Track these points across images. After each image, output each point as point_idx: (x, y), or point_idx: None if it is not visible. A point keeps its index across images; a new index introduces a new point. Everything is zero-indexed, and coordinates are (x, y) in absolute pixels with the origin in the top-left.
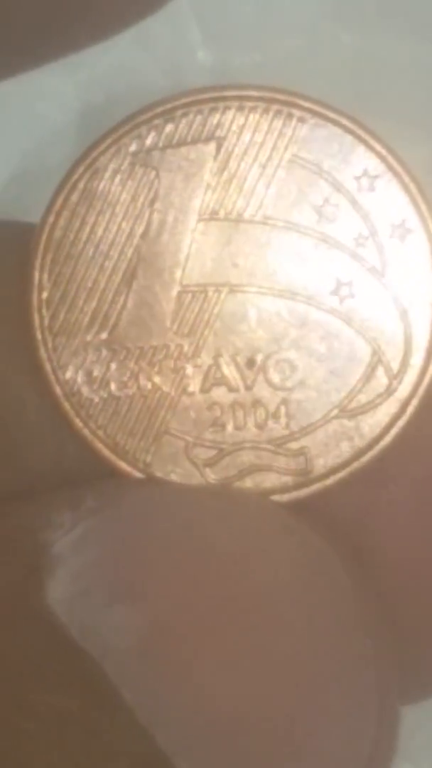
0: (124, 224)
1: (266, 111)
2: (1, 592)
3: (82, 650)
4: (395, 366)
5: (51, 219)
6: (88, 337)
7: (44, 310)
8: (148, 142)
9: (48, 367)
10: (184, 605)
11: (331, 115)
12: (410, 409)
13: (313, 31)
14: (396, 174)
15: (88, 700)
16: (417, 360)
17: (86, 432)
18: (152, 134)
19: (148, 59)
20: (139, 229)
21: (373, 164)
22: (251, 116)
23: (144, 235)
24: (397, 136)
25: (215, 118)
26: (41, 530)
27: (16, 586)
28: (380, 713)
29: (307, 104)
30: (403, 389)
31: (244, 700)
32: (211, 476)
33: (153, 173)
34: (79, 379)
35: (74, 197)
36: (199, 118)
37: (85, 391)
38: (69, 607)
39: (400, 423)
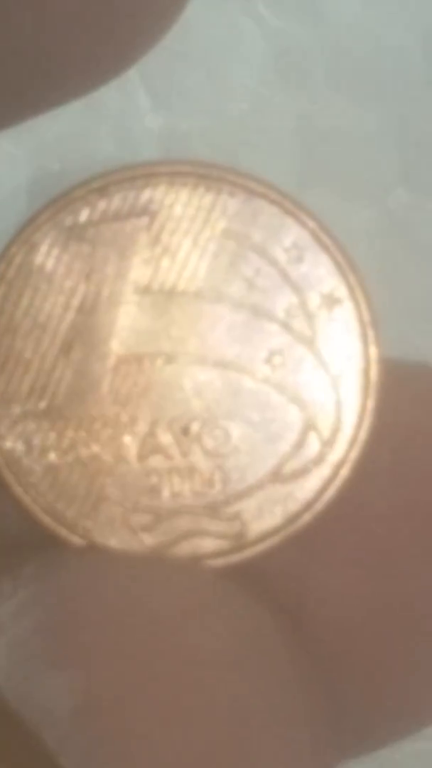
0: (60, 297)
1: (197, 186)
2: None
3: (19, 717)
4: (327, 432)
5: None
6: (28, 407)
7: None
8: (83, 217)
9: None
10: (120, 672)
11: (260, 189)
12: (342, 474)
13: (259, 96)
14: (324, 246)
15: (24, 767)
16: (348, 426)
17: (27, 499)
18: (87, 209)
19: (99, 125)
20: (75, 302)
21: (302, 236)
22: (182, 191)
23: (80, 307)
24: (334, 203)
25: (147, 193)
26: None
27: None
28: None
29: (236, 179)
30: (335, 455)
31: (181, 765)
32: (149, 541)
33: (88, 247)
34: (19, 448)
35: (11, 272)
36: (132, 193)
37: (25, 460)
38: (7, 675)
39: (333, 488)
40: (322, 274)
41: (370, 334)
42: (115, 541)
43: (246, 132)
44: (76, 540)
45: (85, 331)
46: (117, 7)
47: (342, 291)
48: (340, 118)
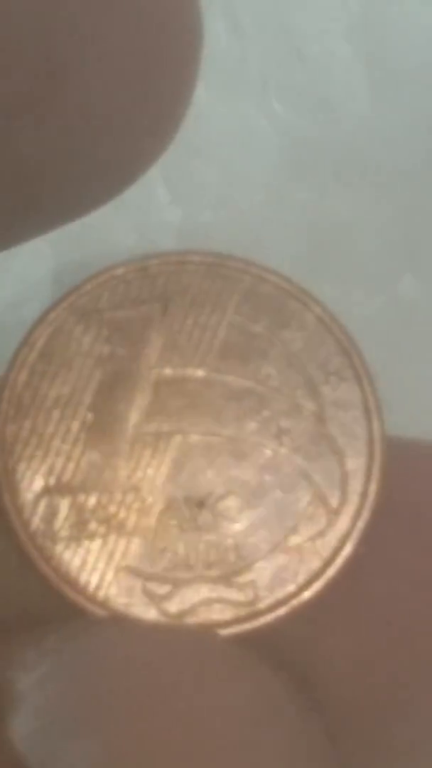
0: (80, 379)
1: (208, 274)
2: None
3: None
4: (334, 505)
5: (12, 375)
6: (50, 483)
7: (8, 460)
8: (102, 303)
9: (11, 511)
10: (137, 738)
11: (267, 276)
12: (349, 546)
13: (271, 189)
14: (328, 328)
15: None
16: (354, 498)
17: (48, 571)
18: (106, 295)
19: (120, 218)
20: (95, 383)
21: (308, 320)
22: (194, 279)
23: (99, 389)
24: (343, 292)
25: (162, 281)
26: (6, 669)
27: None
28: None
29: (244, 267)
30: (342, 526)
31: None
32: (167, 610)
33: (106, 332)
34: (42, 523)
35: (33, 355)
36: (148, 281)
37: (48, 534)
38: (31, 742)
39: (340, 558)
40: (328, 354)
41: (374, 408)
42: (134, 609)
43: (259, 223)
44: (97, 609)
45: (104, 411)
46: (130, 106)
47: (347, 370)
48: (349, 210)
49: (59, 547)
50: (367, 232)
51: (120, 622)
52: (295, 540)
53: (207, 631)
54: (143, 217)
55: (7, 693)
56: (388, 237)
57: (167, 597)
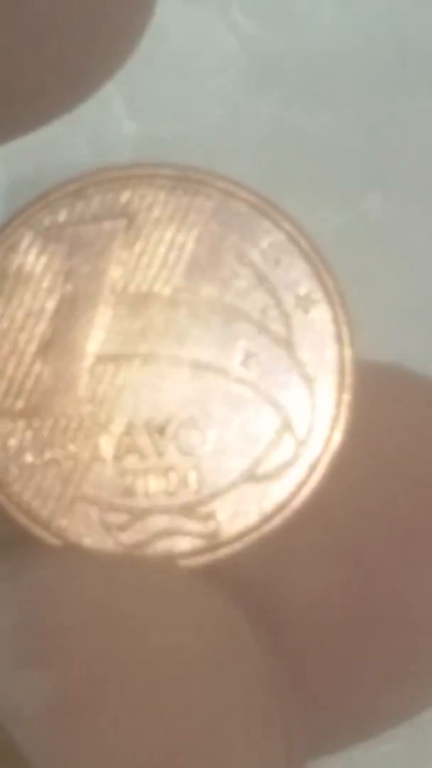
0: (37, 299)
1: (175, 188)
2: None
3: None
4: (302, 434)
5: None
6: (4, 407)
7: None
8: (61, 219)
9: None
10: (91, 670)
11: (237, 191)
12: (316, 476)
13: (234, 103)
14: (300, 248)
15: None
16: (322, 428)
17: (1, 498)
18: (65, 211)
19: (74, 132)
20: (53, 303)
21: (278, 239)
22: (160, 193)
23: (57, 308)
24: (309, 208)
25: (126, 195)
26: None
27: None
28: None
29: (213, 181)
30: (310, 456)
31: (152, 767)
32: (124, 541)
33: (66, 248)
34: None
35: None
36: (110, 195)
37: (0, 459)
38: None
39: (307, 489)
40: (298, 276)
41: (346, 335)
42: (89, 540)
43: (221, 138)
44: (51, 539)
45: (62, 331)
46: (87, 19)
47: (318, 293)
48: (315, 124)
49: (13, 473)
50: (331, 147)
51: (74, 552)
52: (259, 469)
53: (166, 562)
54: (98, 131)
55: None
56: (353, 152)
57: (124, 527)
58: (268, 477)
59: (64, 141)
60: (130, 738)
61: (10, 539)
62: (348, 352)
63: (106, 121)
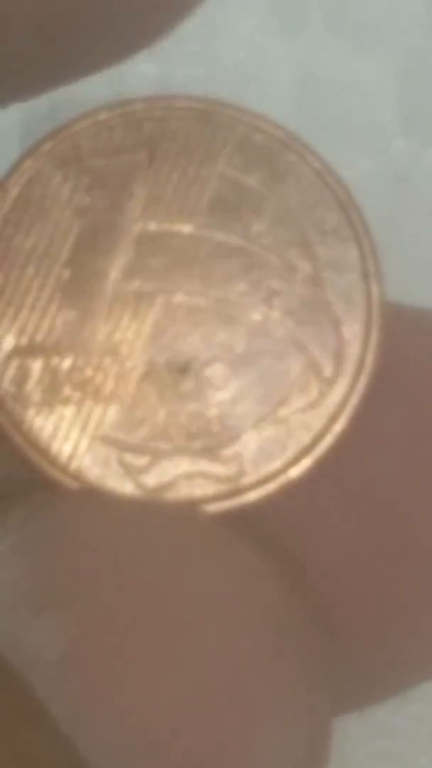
0: (57, 232)
1: (198, 120)
2: None
3: (9, 663)
4: (328, 375)
5: None
6: (22, 344)
7: None
8: (84, 150)
9: None
10: (110, 615)
11: (262, 125)
12: (342, 419)
13: (256, 44)
14: (327, 184)
15: (12, 712)
16: (349, 368)
17: (18, 439)
18: (87, 143)
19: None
20: (73, 237)
21: (306, 173)
22: (183, 125)
23: (77, 241)
24: (333, 152)
25: (148, 127)
26: None
27: None
28: (312, 727)
29: (238, 115)
30: (335, 398)
31: (171, 713)
32: (144, 483)
33: (87, 181)
34: (13, 386)
35: (7, 204)
36: (133, 127)
37: (19, 397)
38: None
39: (332, 433)
40: (325, 212)
41: (373, 271)
42: (108, 482)
43: (242, 81)
44: (69, 481)
45: (82, 266)
46: None
47: (345, 229)
48: (340, 67)
49: (30, 413)
50: (357, 90)
51: (93, 495)
52: (284, 411)
53: (187, 508)
54: (118, 72)
55: None
56: (380, 95)
57: (145, 469)
58: (292, 420)
59: (83, 81)
60: (148, 683)
61: (28, 483)
62: (376, 290)
63: (126, 62)
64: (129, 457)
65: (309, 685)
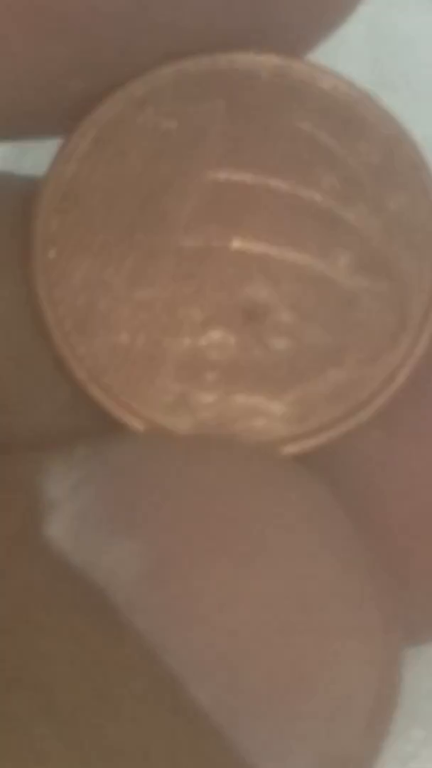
0: (132, 175)
1: (277, 75)
2: (2, 533)
3: (88, 579)
4: (392, 327)
5: (60, 167)
6: (91, 277)
7: (50, 248)
8: (164, 95)
9: (50, 320)
10: (184, 536)
11: (339, 84)
12: (412, 361)
13: None
14: (401, 144)
15: (99, 623)
16: (412, 324)
17: (84, 377)
18: (168, 89)
19: None
20: (147, 181)
21: (382, 134)
22: (263, 78)
23: (152, 186)
24: (408, 112)
25: (229, 79)
26: (36, 479)
27: (17, 528)
28: (385, 651)
29: (315, 72)
30: (406, 341)
31: (249, 630)
32: (208, 420)
33: (164, 126)
34: (74, 319)
35: (84, 146)
36: (212, 75)
37: (88, 333)
38: (71, 542)
39: (403, 375)
40: (399, 168)
41: None
42: (172, 419)
43: None
44: (133, 419)
45: (156, 211)
46: None
47: (416, 185)
48: (415, 24)
49: (96, 354)
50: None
51: (154, 433)
52: (349, 360)
53: (259, 445)
54: None
55: (39, 500)
56: None
57: (210, 407)
58: (360, 364)
59: None
60: (227, 604)
61: (91, 421)
62: None
63: None
64: (195, 394)
65: (381, 611)
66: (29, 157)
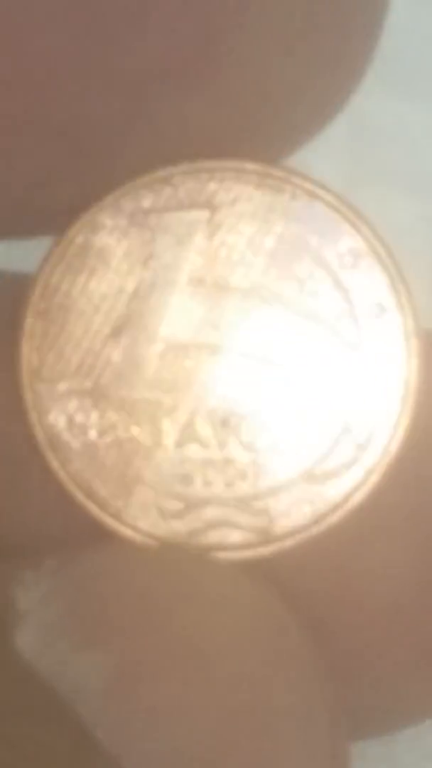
0: (116, 281)
1: (260, 185)
2: None
3: (52, 690)
4: (362, 438)
5: (47, 270)
6: (73, 385)
7: (33, 357)
8: (146, 204)
9: (32, 410)
10: (146, 651)
11: (320, 193)
12: (373, 478)
13: None
14: (377, 254)
15: (64, 735)
16: (383, 434)
17: (62, 474)
18: (150, 197)
19: None
20: (130, 287)
21: (357, 243)
22: (246, 188)
23: (134, 292)
24: (385, 201)
25: (211, 187)
26: (6, 588)
27: None
28: (333, 758)
29: (298, 181)
30: (368, 460)
31: (207, 740)
32: (177, 528)
33: (148, 234)
34: (61, 424)
35: (71, 251)
36: (196, 185)
37: (65, 435)
38: (37, 654)
39: (363, 491)
40: (373, 283)
41: (414, 345)
42: (144, 524)
43: None
44: (107, 519)
45: (136, 315)
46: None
47: (390, 301)
48: (391, 116)
49: (76, 450)
50: (408, 139)
51: (120, 544)
52: (317, 469)
53: (217, 553)
54: None
55: (8, 610)
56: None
57: (179, 514)
58: (324, 478)
59: None
60: (184, 710)
61: (69, 523)
62: (414, 362)
63: None
64: (165, 502)
65: (329, 725)
66: (17, 251)
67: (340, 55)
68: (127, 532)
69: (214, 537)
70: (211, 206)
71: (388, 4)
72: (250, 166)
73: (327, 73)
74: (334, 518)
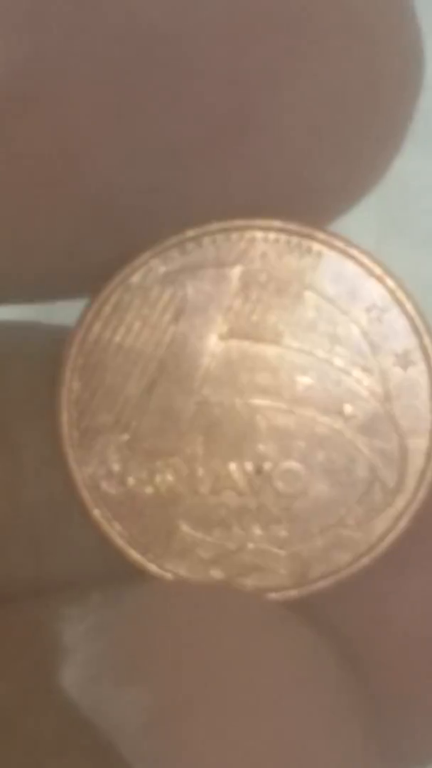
0: (150, 337)
1: (288, 242)
2: (17, 680)
3: (95, 727)
4: (391, 484)
5: (84, 328)
6: (111, 437)
7: (73, 410)
8: (178, 264)
9: (72, 461)
10: (188, 687)
11: (348, 250)
12: (403, 523)
13: None
14: (403, 307)
15: None
16: (411, 480)
17: (103, 522)
18: (182, 257)
19: None
20: (164, 342)
21: (383, 298)
22: (274, 246)
23: (168, 347)
24: (412, 255)
25: (241, 245)
26: (52, 624)
27: (31, 675)
28: None
29: (325, 238)
30: (397, 506)
31: None
32: (216, 573)
33: (180, 292)
34: (100, 473)
35: (107, 309)
36: (226, 244)
37: (104, 485)
38: (81, 690)
39: (393, 535)
40: (399, 335)
41: None
42: (183, 570)
43: None
44: (148, 565)
45: (171, 370)
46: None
47: (416, 353)
48: (419, 171)
49: (114, 499)
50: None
51: (171, 582)
52: (348, 516)
53: (256, 594)
54: None
55: (54, 645)
56: None
57: (215, 560)
58: (356, 523)
59: None
60: (225, 750)
61: (112, 564)
62: None
63: None
64: (203, 548)
65: (366, 755)
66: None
67: (375, 128)
68: (167, 576)
69: (250, 581)
70: (240, 264)
71: (424, 73)
72: (278, 224)
73: (360, 147)
74: (368, 561)
